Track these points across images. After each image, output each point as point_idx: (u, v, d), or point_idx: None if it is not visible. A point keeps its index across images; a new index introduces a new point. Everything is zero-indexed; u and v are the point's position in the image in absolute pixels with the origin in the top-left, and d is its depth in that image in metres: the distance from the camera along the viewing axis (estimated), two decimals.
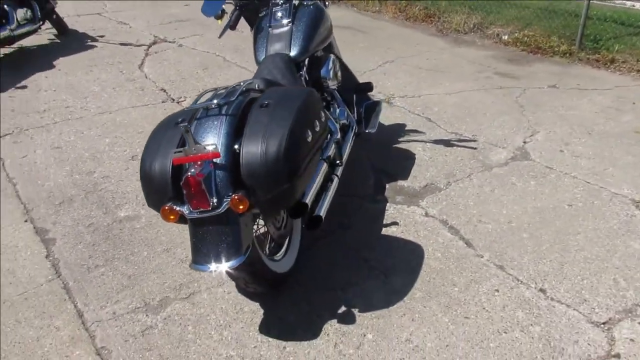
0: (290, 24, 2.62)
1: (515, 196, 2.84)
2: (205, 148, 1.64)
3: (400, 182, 2.99)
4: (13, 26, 4.79)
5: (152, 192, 1.74)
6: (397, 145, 3.41)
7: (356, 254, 2.42)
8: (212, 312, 2.11)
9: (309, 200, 1.99)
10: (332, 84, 2.74)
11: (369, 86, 3.08)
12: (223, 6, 2.70)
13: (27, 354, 1.94)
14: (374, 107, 3.10)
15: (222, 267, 1.70)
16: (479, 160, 3.20)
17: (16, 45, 5.25)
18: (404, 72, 4.71)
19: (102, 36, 5.81)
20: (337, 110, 2.79)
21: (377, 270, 2.31)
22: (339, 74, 2.81)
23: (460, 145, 3.39)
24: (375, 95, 4.17)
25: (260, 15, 2.79)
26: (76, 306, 2.15)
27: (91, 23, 6.35)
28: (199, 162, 1.66)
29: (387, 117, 3.80)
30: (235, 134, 1.75)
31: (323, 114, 2.02)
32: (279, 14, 2.66)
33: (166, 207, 1.66)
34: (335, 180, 2.37)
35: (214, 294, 2.19)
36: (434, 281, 2.24)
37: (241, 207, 1.65)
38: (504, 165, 3.15)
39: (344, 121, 2.78)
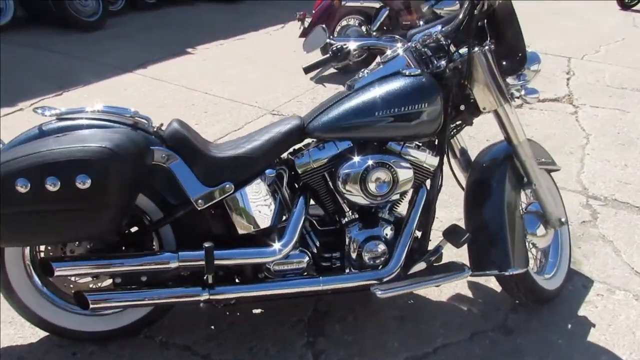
0: (352, 89, 1.89)
1: None
2: None
3: None
4: None
5: None
6: None
7: None
8: None
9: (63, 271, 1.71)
10: (355, 198, 1.84)
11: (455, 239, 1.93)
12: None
13: None
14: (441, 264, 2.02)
15: None
16: None
17: None
18: None
19: None
20: (363, 237, 1.89)
21: None
22: (379, 191, 1.83)
23: None
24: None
25: None
26: None
27: None
28: None
29: None
30: None
31: (99, 177, 1.52)
32: (360, 75, 1.94)
33: None
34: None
35: None
36: None
37: None
38: None
39: (374, 255, 1.89)
